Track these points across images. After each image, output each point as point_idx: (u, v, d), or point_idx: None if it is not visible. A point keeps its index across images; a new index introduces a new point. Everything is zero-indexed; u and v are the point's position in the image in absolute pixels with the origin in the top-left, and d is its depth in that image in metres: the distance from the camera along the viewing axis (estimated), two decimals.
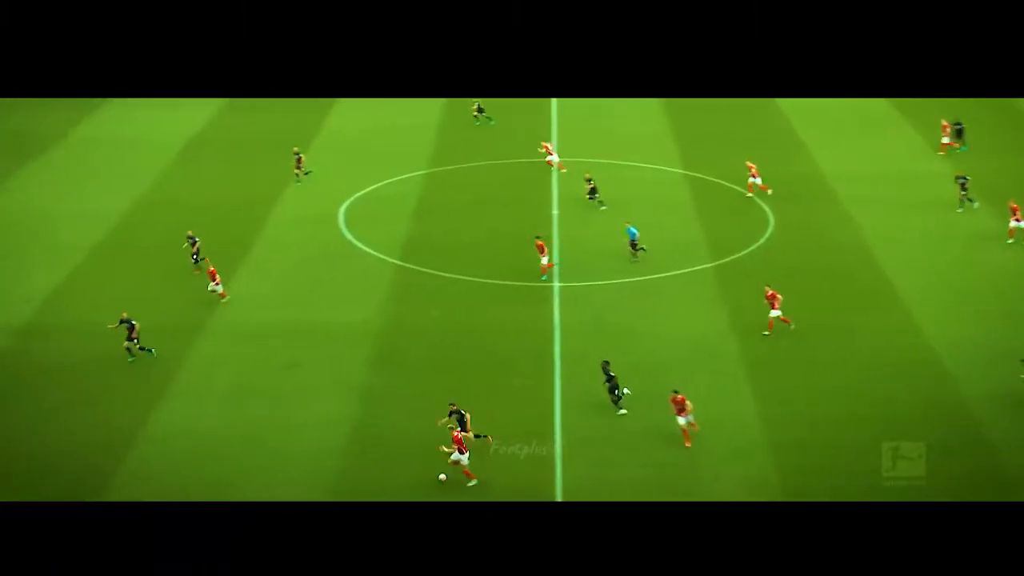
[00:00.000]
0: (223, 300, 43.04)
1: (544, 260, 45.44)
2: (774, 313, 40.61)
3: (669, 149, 61.41)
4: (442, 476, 32.36)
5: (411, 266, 46.79)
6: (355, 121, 64.46)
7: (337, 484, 32.45)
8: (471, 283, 45.30)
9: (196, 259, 45.35)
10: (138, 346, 38.84)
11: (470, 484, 32.27)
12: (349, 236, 49.77)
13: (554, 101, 68.37)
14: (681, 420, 34.15)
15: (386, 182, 56.26)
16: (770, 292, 40.85)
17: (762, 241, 49.48)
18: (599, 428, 35.29)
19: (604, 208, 52.18)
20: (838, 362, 39.06)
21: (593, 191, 52.64)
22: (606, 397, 36.19)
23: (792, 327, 40.52)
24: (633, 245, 46.85)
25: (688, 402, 34.12)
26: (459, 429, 33.32)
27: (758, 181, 54.17)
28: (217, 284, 43.10)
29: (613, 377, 36.05)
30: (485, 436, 33.80)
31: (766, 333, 40.51)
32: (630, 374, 38.35)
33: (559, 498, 31.93)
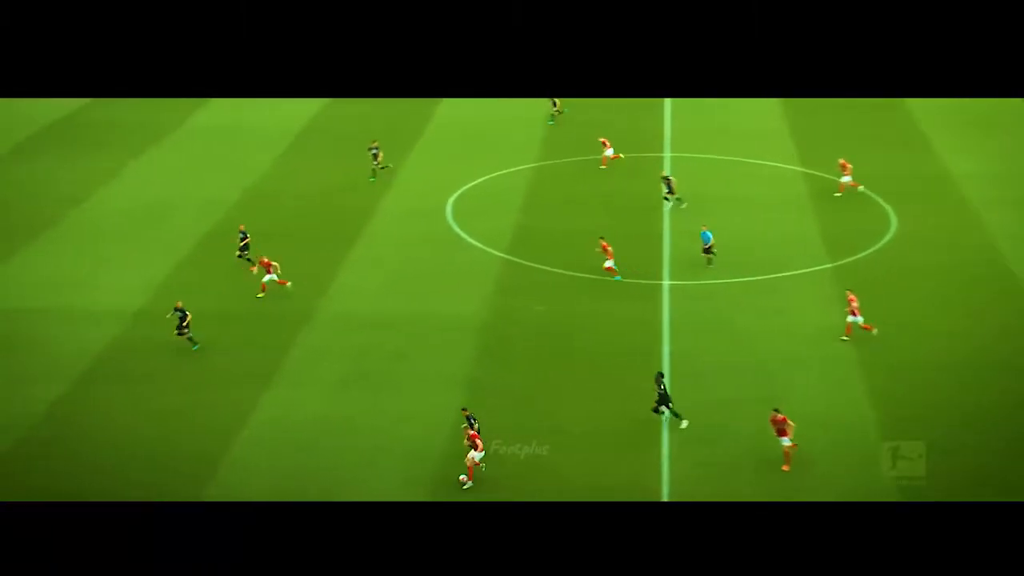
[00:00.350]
0: (287, 287, 43.37)
1: (610, 263, 44.61)
2: (854, 319, 39.66)
3: (786, 147, 60.47)
4: (463, 477, 32.18)
5: (518, 260, 46.88)
6: (464, 114, 64.79)
7: (437, 479, 32.68)
8: (579, 279, 45.18)
9: (242, 254, 45.49)
10: (187, 336, 39.47)
11: (465, 487, 32.09)
12: (456, 229, 50.11)
13: (667, 101, 67.70)
14: (784, 441, 32.98)
15: (494, 175, 56.52)
16: (851, 297, 39.98)
17: (884, 241, 48.36)
18: (708, 428, 34.87)
19: (684, 207, 51.37)
20: (961, 366, 38.01)
21: (670, 190, 51.69)
22: (714, 397, 35.73)
23: (875, 332, 39.61)
24: (706, 249, 45.59)
25: (790, 421, 32.97)
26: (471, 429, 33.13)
27: (848, 179, 53.02)
28: (271, 275, 43.38)
29: (664, 391, 34.90)
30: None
31: (844, 338, 39.64)
32: (741, 375, 37.94)
33: (665, 499, 31.67)
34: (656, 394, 34.81)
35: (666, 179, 52.08)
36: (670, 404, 34.82)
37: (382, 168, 55.35)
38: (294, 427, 35.12)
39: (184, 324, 39.33)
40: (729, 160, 58.70)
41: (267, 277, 43.52)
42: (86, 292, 43.83)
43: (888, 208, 51.71)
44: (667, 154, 58.95)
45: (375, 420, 35.59)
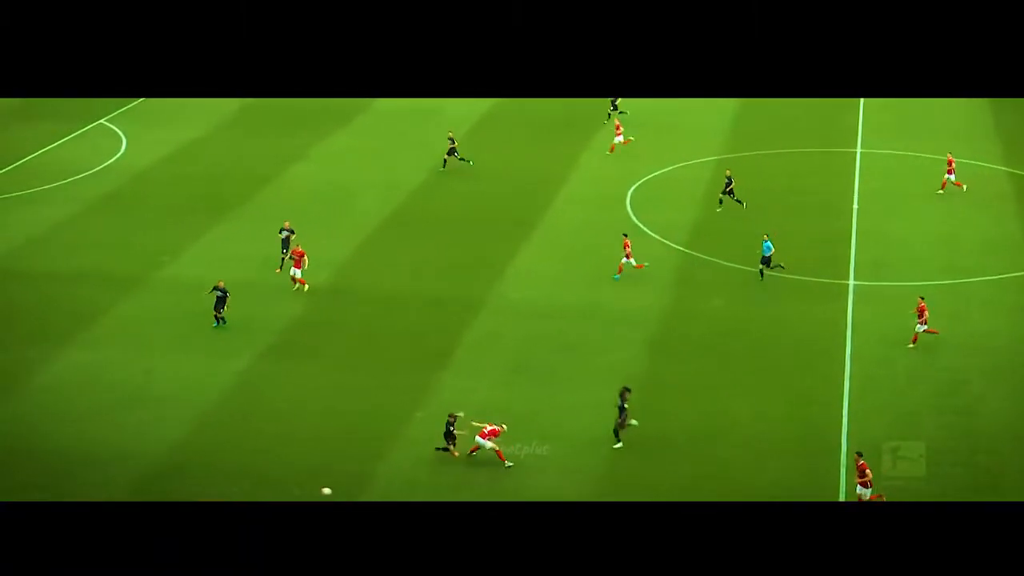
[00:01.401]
0: (301, 287, 43.05)
1: (631, 260, 43.56)
2: (920, 327, 38.02)
3: (991, 145, 57.66)
4: (326, 490, 31.23)
5: (696, 254, 46.22)
6: (647, 105, 64.08)
7: (602, 471, 32.61)
8: (757, 275, 44.16)
9: (284, 256, 44.75)
10: (221, 314, 40.10)
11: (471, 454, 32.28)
12: (635, 219, 49.75)
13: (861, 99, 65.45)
14: (861, 490, 30.37)
15: (675, 167, 55.84)
16: (922, 305, 38.22)
17: None
18: (891, 437, 33.57)
19: (744, 206, 49.38)
20: None
21: (730, 189, 49.41)
22: (902, 400, 34.44)
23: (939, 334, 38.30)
24: (766, 261, 43.32)
25: (869, 471, 30.47)
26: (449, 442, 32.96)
27: (952, 178, 50.53)
28: (297, 269, 43.04)
29: (625, 409, 33.64)
30: (447, 449, 33.14)
31: (911, 346, 38.17)
32: (927, 383, 36.52)
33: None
34: (618, 412, 33.67)
35: (728, 179, 49.78)
36: (622, 424, 33.58)
37: (460, 159, 55.00)
38: (462, 411, 35.44)
39: (222, 304, 40.01)
40: (927, 158, 56.36)
41: (295, 271, 43.09)
42: (273, 269, 45.42)
43: None
44: (859, 150, 57.09)
45: (543, 410, 35.72)
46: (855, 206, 50.72)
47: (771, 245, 43.30)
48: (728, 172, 50.41)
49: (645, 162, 56.01)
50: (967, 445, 33.18)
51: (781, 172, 55.36)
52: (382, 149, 58.97)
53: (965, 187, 51.14)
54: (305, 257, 43.32)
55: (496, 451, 32.74)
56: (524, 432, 34.42)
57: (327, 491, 30.87)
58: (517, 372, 37.92)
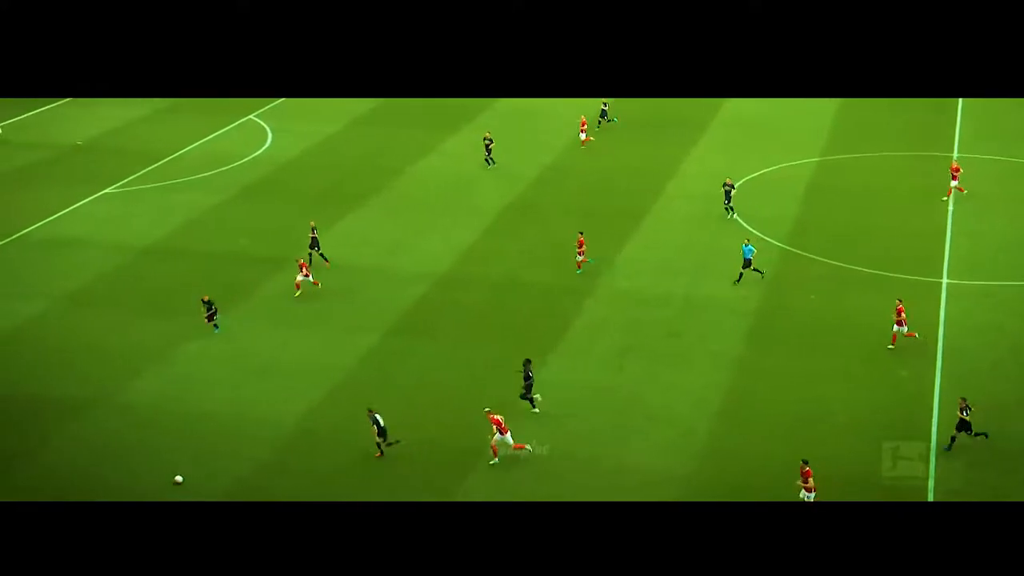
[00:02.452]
0: (316, 287, 41.95)
1: (581, 256, 42.48)
2: (899, 328, 36.23)
3: None
4: (178, 478, 30.56)
5: (794, 250, 44.92)
6: (750, 107, 62.58)
7: (704, 451, 31.91)
8: (856, 272, 42.78)
9: (311, 251, 43.69)
10: (214, 322, 39.16)
11: (491, 462, 31.52)
12: (736, 216, 48.56)
13: (960, 100, 62.78)
14: (804, 495, 28.64)
15: (777, 167, 54.37)
16: (900, 308, 36.32)
17: None
18: (976, 427, 32.14)
19: (734, 216, 47.24)
20: None
21: (728, 196, 47.41)
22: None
23: (919, 337, 36.57)
24: (747, 264, 41.39)
25: (811, 479, 28.70)
26: (378, 433, 31.73)
27: (955, 183, 47.98)
28: (306, 275, 41.75)
29: (531, 378, 33.63)
30: (397, 441, 31.94)
31: (890, 347, 36.41)
32: (1016, 379, 34.78)
33: (931, 497, 29.47)
34: (523, 380, 33.61)
35: (728, 186, 47.82)
36: (529, 393, 33.50)
37: (487, 162, 54.42)
38: (570, 391, 35.12)
39: (212, 312, 39.23)
40: (1020, 162, 53.85)
41: (300, 277, 41.81)
42: (400, 254, 45.62)
43: None
44: (955, 154, 54.85)
45: (647, 391, 35.11)
46: (950, 207, 48.71)
47: (752, 248, 41.92)
48: (729, 180, 48.67)
49: (748, 161, 54.69)
50: None
51: (878, 172, 53.48)
52: (502, 144, 58.72)
53: (965, 191, 48.72)
54: (306, 267, 42.13)
55: (514, 446, 31.80)
56: (629, 412, 33.96)
57: (179, 479, 30.80)
58: (622, 356, 37.33)
